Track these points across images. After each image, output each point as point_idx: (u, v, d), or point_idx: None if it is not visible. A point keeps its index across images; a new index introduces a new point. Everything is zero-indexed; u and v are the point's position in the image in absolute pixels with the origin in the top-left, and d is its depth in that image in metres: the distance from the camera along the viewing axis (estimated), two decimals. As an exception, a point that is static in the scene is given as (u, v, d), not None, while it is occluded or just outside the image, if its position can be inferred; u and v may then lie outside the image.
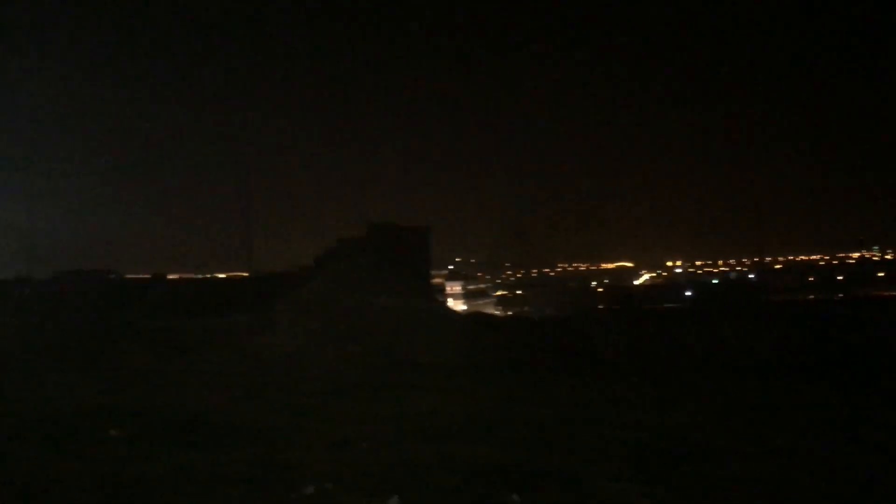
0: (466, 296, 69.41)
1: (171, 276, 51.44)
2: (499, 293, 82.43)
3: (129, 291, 39.58)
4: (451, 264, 78.00)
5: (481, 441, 9.77)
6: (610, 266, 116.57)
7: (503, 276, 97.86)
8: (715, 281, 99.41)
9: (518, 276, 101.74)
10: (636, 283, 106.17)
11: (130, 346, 21.97)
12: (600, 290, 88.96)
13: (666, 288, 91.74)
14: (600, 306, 60.85)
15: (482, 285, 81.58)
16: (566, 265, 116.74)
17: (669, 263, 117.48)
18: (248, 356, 20.10)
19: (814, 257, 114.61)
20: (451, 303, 56.72)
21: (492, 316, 50.09)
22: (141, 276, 50.71)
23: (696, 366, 22.72)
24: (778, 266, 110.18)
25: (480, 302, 68.99)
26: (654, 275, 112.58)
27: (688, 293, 76.02)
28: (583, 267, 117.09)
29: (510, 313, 59.11)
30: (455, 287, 68.36)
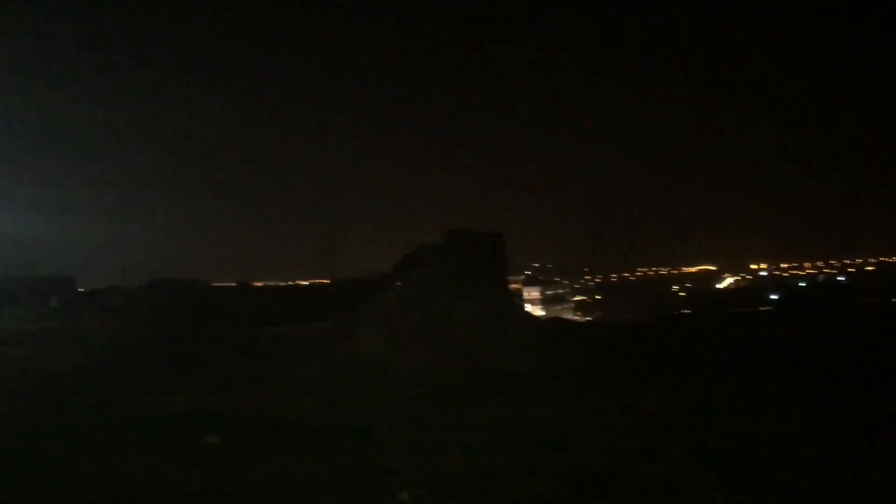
0: (544, 301, 68.81)
1: (256, 284, 52.86)
2: (577, 298, 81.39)
3: (216, 299, 40.80)
4: (528, 270, 77.56)
5: (574, 448, 9.66)
6: (692, 270, 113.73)
7: (582, 280, 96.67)
8: (802, 284, 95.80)
9: (597, 280, 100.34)
10: (719, 286, 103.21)
11: (221, 353, 22.61)
12: (683, 294, 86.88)
13: (751, 291, 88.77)
14: (684, 311, 59.52)
15: (560, 290, 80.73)
16: (646, 269, 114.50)
17: (754, 266, 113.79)
18: (333, 362, 20.41)
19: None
20: (529, 308, 56.30)
21: (571, 321, 49.59)
22: (227, 284, 52.25)
23: (785, 370, 21.90)
24: (869, 268, 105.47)
25: (559, 307, 68.28)
26: (738, 278, 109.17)
27: (774, 296, 73.52)
28: (663, 271, 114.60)
29: (590, 319, 58.29)
30: (533, 292, 67.86)
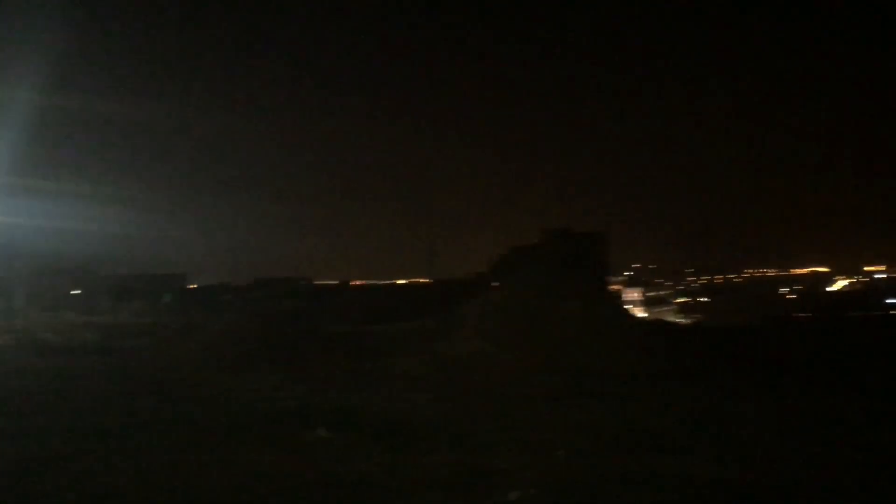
0: (646, 303, 67.29)
1: (356, 283, 53.96)
2: (680, 300, 79.14)
3: (319, 297, 41.84)
4: (629, 270, 76.07)
5: (686, 454, 9.34)
6: (802, 271, 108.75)
7: (685, 282, 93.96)
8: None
9: (701, 282, 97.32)
10: (830, 289, 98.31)
11: (325, 350, 23.14)
12: (792, 296, 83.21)
13: (864, 295, 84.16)
14: (794, 314, 57.02)
15: (662, 292, 78.77)
16: (753, 270, 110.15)
17: (869, 269, 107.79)
18: (435, 361, 20.55)
19: None
20: (629, 309, 55.13)
21: (675, 324, 48.27)
22: (328, 282, 53.57)
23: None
24: None
25: (661, 309, 66.62)
26: (851, 281, 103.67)
27: (891, 300, 69.65)
28: (771, 272, 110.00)
29: (693, 321, 56.59)
30: (634, 294, 66.47)
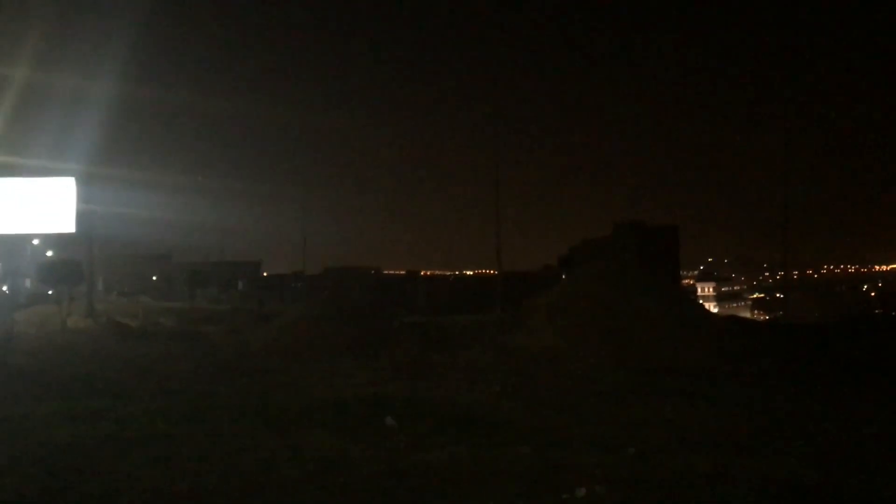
0: (719, 298, 65.78)
1: (424, 273, 54.25)
2: (756, 295, 77.08)
3: (388, 286, 42.24)
4: (702, 265, 74.45)
5: (766, 455, 9.07)
6: (885, 268, 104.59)
7: (760, 277, 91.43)
8: None
9: (777, 277, 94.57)
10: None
11: (395, 339, 23.36)
12: (874, 293, 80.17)
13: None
14: (876, 311, 54.89)
15: (737, 287, 76.86)
16: (833, 266, 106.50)
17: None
18: (504, 353, 20.52)
19: None
20: (702, 305, 53.97)
21: (749, 320, 47.06)
22: (397, 272, 54.00)
23: None
24: None
25: (735, 305, 65.01)
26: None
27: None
28: (852, 268, 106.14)
29: (769, 317, 55.02)
30: (707, 288, 65.07)
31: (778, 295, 79.97)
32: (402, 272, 54.24)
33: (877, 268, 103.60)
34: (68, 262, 35.88)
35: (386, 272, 53.24)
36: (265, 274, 55.48)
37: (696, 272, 68.76)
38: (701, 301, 56.43)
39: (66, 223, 25.31)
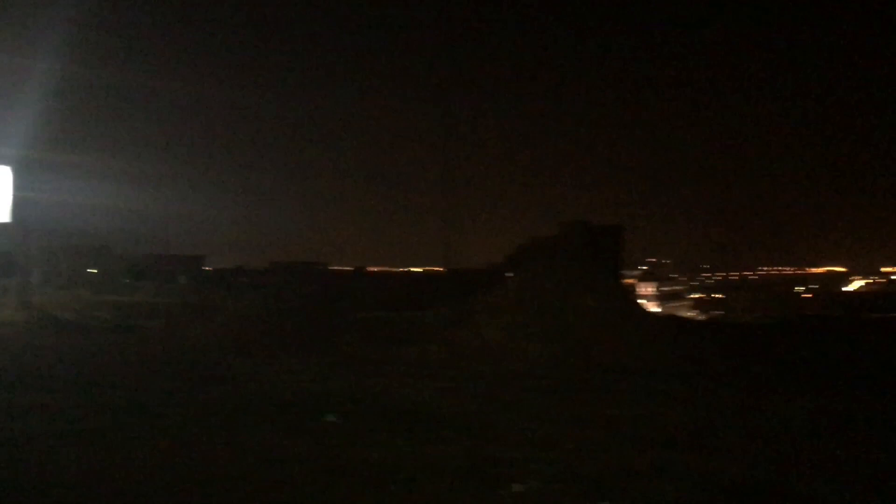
0: (660, 297, 67.00)
1: (371, 269, 54.02)
2: (695, 295, 78.77)
3: (334, 283, 41.94)
4: (643, 264, 75.72)
5: (700, 452, 9.27)
6: (818, 271, 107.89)
7: (700, 277, 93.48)
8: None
9: (716, 278, 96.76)
10: (846, 289, 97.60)
11: (340, 335, 23.22)
12: (808, 295, 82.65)
13: (882, 296, 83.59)
14: (809, 313, 56.62)
15: (677, 287, 78.43)
16: (769, 268, 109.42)
17: (886, 270, 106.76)
18: (450, 350, 20.58)
19: None
20: (643, 304, 54.96)
21: (688, 319, 48.06)
22: (344, 268, 53.64)
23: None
24: None
25: (675, 304, 66.29)
26: (869, 281, 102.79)
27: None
28: (788, 270, 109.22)
29: (708, 317, 56.33)
30: (648, 288, 66.21)
31: (716, 295, 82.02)
32: (350, 268, 53.91)
33: (811, 270, 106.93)
34: (1, 253, 34.71)
35: (333, 268, 52.80)
36: (209, 268, 54.49)
37: (638, 272, 69.93)
38: (643, 300, 57.49)
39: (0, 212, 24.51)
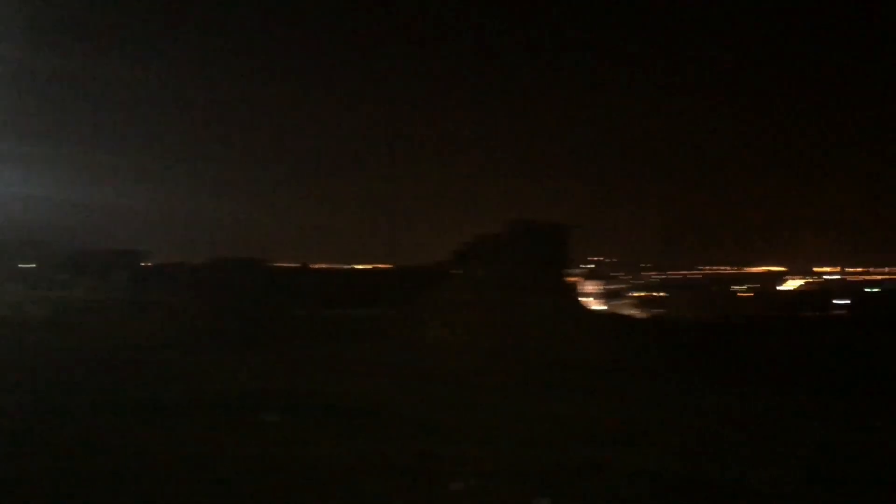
0: (604, 295, 67.87)
1: (315, 266, 53.35)
2: (638, 294, 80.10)
3: (278, 280, 41.29)
4: (588, 263, 76.53)
5: (636, 447, 9.36)
6: (756, 270, 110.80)
7: (642, 276, 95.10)
8: (873, 289, 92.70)
9: (659, 277, 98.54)
10: (782, 288, 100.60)
11: (284, 333, 22.89)
12: (746, 294, 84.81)
13: (816, 295, 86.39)
14: (747, 312, 58.03)
15: (620, 285, 79.59)
16: (709, 267, 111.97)
17: (820, 270, 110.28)
18: (395, 347, 20.47)
19: None
20: (588, 302, 55.58)
21: (631, 317, 48.83)
22: (289, 265, 52.84)
23: (854, 377, 21.03)
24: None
25: (618, 302, 67.28)
26: (804, 281, 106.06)
27: (841, 301, 71.30)
28: (727, 270, 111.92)
29: (650, 315, 57.32)
30: (592, 286, 67.00)
31: (658, 293, 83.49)
32: (294, 265, 53.18)
33: (749, 269, 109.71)
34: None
35: (277, 264, 52.01)
36: (148, 264, 53.17)
37: (583, 270, 70.66)
38: (587, 298, 58.14)
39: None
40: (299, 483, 7.52)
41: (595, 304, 57.44)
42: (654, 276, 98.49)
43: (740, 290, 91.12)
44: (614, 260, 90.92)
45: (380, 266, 55.75)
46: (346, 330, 23.41)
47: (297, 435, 9.61)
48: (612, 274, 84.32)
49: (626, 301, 71.93)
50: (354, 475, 7.80)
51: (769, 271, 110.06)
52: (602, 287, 70.95)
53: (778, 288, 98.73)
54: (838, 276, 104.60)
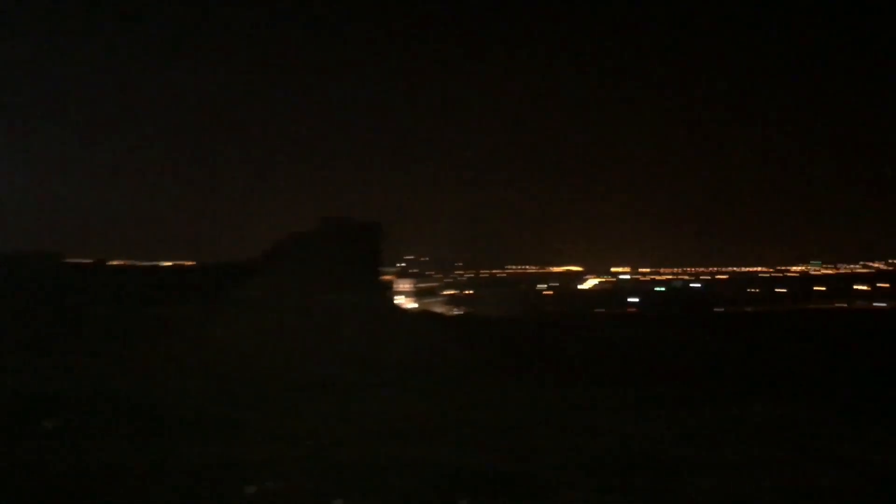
0: (416, 294, 69.05)
1: (113, 263, 49.94)
2: (448, 292, 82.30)
3: (70, 276, 38.26)
4: (402, 261, 77.54)
5: (441, 443, 9.54)
6: (558, 269, 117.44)
7: (453, 275, 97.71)
8: (660, 288, 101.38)
9: (468, 275, 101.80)
10: (581, 287, 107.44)
11: (75, 333, 21.21)
12: (549, 292, 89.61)
13: (611, 293, 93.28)
14: (549, 309, 61.35)
15: (432, 284, 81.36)
16: (515, 267, 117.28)
17: (615, 269, 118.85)
18: (199, 347, 19.58)
19: (756, 269, 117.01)
20: (400, 300, 56.31)
21: (442, 315, 50.02)
22: (82, 260, 49.07)
23: (646, 372, 22.84)
24: (722, 276, 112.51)
25: (430, 300, 68.73)
26: (600, 280, 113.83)
27: (633, 299, 77.39)
28: (531, 269, 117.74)
29: (459, 312, 59.08)
30: (405, 284, 67.93)
31: (467, 292, 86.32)
32: (89, 260, 49.52)
33: (551, 269, 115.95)
34: None
35: (69, 260, 48.17)
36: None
37: (396, 268, 71.47)
38: (400, 296, 58.81)
39: None
40: (82, 491, 6.96)
41: (407, 302, 58.28)
42: (465, 274, 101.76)
43: (543, 288, 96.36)
44: (427, 259, 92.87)
45: (184, 263, 53.22)
46: (147, 329, 22.11)
47: (83, 440, 8.91)
48: (424, 272, 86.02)
49: (438, 299, 73.68)
50: (143, 482, 7.33)
51: (570, 271, 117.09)
52: (415, 285, 72.13)
53: (578, 287, 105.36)
54: (629, 276, 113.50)
